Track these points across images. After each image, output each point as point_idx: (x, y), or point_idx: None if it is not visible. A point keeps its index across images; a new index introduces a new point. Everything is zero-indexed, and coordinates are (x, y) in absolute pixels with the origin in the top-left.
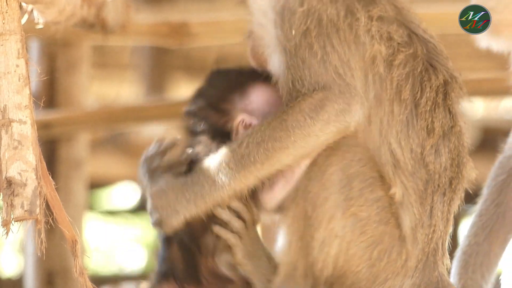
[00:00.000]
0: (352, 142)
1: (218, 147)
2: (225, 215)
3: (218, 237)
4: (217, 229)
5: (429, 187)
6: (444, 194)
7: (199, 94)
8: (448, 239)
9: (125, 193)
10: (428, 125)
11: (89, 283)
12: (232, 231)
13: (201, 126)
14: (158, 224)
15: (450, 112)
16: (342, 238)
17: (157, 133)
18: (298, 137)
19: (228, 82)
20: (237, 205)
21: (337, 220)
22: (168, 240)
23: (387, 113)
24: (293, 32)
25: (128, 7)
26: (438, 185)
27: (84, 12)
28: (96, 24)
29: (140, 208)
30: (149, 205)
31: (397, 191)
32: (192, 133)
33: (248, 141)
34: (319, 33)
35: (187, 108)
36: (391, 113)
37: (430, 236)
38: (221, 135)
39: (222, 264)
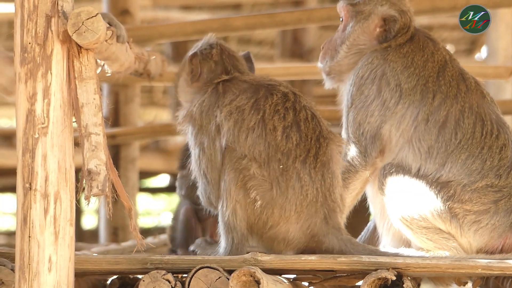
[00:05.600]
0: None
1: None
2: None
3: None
4: None
5: (289, 159)
6: (305, 161)
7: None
8: (338, 189)
9: (162, 179)
10: (273, 126)
11: (139, 235)
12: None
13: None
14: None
15: (293, 109)
16: (239, 202)
17: (181, 140)
18: None
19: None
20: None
21: (235, 191)
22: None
23: (247, 133)
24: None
25: (163, 62)
26: (296, 156)
27: (136, 65)
28: (144, 73)
29: (170, 189)
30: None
31: (255, 172)
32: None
33: None
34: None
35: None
36: (250, 136)
37: (305, 194)
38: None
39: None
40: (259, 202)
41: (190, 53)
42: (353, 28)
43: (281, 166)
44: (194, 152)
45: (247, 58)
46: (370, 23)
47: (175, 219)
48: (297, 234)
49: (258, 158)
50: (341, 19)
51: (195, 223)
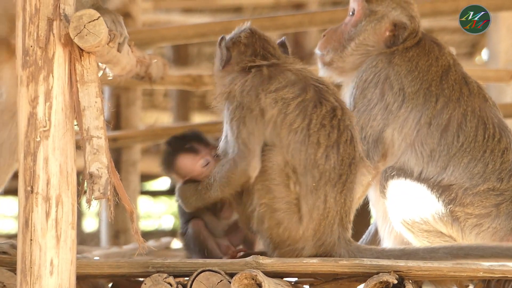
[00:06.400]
0: (269, 164)
1: None
2: None
3: None
4: None
5: (322, 180)
6: (334, 185)
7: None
8: (353, 209)
9: (162, 182)
10: (317, 141)
11: (140, 238)
12: None
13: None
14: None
15: (338, 129)
16: (264, 213)
17: None
18: None
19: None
20: None
21: (264, 203)
22: None
23: (289, 132)
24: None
25: (165, 65)
26: (329, 179)
27: (137, 69)
28: (145, 76)
29: (171, 192)
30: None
31: (292, 186)
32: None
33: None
34: (238, 117)
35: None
36: (291, 138)
37: (326, 215)
38: None
39: None
40: (284, 225)
41: (220, 38)
42: (364, 27)
43: (314, 184)
44: (231, 125)
45: (283, 44)
46: (382, 25)
47: (183, 234)
48: (310, 249)
49: (297, 166)
50: (351, 13)
51: (207, 235)
